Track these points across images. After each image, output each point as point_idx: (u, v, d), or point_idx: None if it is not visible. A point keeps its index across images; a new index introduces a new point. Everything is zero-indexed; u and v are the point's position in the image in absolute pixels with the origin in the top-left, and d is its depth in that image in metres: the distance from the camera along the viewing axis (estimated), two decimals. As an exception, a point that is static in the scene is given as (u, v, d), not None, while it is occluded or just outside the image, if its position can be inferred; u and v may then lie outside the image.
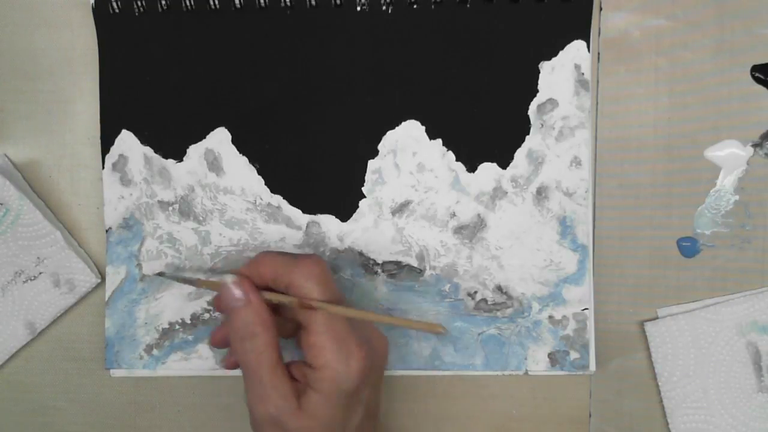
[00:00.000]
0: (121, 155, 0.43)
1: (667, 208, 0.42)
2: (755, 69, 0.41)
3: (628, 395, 0.43)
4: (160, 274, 0.41)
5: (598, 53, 0.42)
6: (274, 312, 0.35)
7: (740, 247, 0.42)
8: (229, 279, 0.35)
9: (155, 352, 0.43)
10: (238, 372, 0.43)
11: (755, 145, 0.41)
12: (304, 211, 0.42)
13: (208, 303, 0.43)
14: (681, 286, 0.42)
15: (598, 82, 0.42)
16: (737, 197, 0.42)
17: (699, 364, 0.42)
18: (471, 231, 0.42)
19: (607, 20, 0.42)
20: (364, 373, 0.34)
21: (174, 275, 0.41)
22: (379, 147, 0.42)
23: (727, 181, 0.42)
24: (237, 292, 0.35)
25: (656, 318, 0.42)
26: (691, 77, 0.42)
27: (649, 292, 0.42)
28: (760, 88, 0.41)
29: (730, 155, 0.42)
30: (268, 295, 0.35)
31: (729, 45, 0.41)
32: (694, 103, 0.42)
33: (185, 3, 0.42)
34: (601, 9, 0.42)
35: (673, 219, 0.42)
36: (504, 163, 0.42)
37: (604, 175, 0.42)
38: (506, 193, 0.42)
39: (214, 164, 0.42)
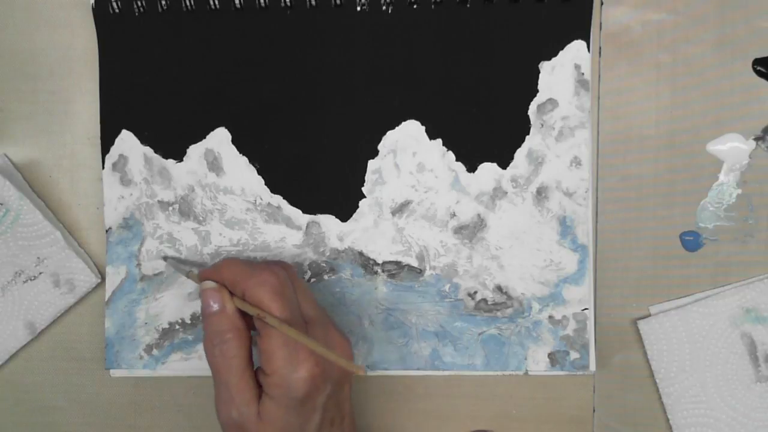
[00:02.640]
0: (121, 155, 0.43)
1: (669, 202, 0.42)
2: (757, 62, 0.41)
3: (632, 390, 0.43)
4: (164, 258, 0.42)
5: (600, 47, 0.42)
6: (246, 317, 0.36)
7: (743, 241, 0.42)
8: (207, 285, 0.36)
9: (155, 352, 0.43)
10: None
11: (757, 139, 0.42)
12: (304, 211, 0.42)
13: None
14: (684, 281, 0.42)
15: (599, 76, 0.42)
16: (740, 191, 0.42)
17: (695, 358, 0.42)
18: (471, 231, 0.42)
19: (608, 15, 0.42)
20: (314, 381, 0.34)
21: (174, 263, 0.42)
22: (379, 147, 0.42)
23: (729, 174, 0.42)
24: (214, 295, 0.36)
25: (649, 315, 0.42)
26: (692, 71, 0.42)
27: (652, 286, 0.42)
28: (762, 81, 0.41)
29: (733, 149, 0.42)
30: (237, 303, 0.36)
31: (730, 39, 0.41)
32: (695, 97, 0.42)
33: (185, 3, 0.42)
34: (602, 3, 0.42)
35: (676, 213, 0.42)
36: (504, 163, 0.42)
37: (606, 169, 0.42)
38: (506, 193, 0.42)
39: (214, 164, 0.42)
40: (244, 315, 0.36)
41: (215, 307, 0.36)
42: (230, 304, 0.36)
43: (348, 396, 0.38)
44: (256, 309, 0.35)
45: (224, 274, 0.36)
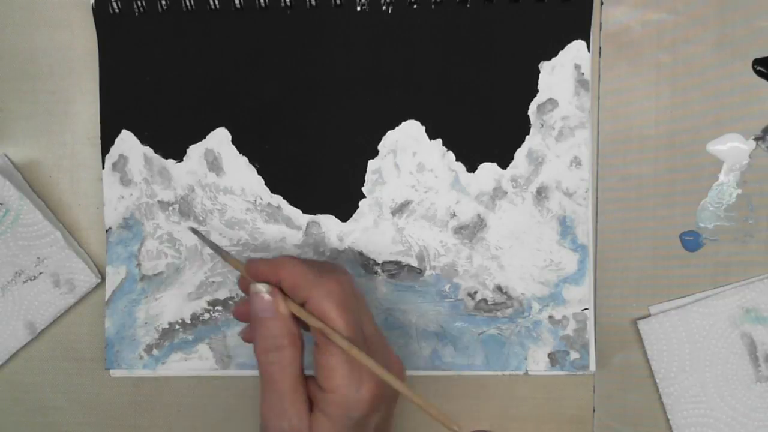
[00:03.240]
0: (121, 155, 0.43)
1: (669, 202, 0.42)
2: (757, 62, 0.41)
3: (632, 390, 0.43)
4: (192, 229, 0.40)
5: (600, 47, 0.42)
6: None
7: (743, 241, 0.42)
8: (263, 288, 0.33)
9: (155, 352, 0.43)
10: (238, 372, 0.43)
11: (757, 139, 0.42)
12: (304, 211, 0.42)
13: (208, 303, 0.43)
14: (684, 281, 0.42)
15: (599, 76, 0.42)
16: (740, 191, 0.42)
17: (695, 358, 0.42)
18: (471, 231, 0.42)
19: (608, 15, 0.42)
20: (374, 402, 0.32)
21: (205, 237, 0.39)
22: (379, 147, 0.42)
23: (729, 174, 0.42)
24: (268, 302, 0.33)
25: (649, 315, 0.42)
26: (692, 71, 0.42)
27: (652, 286, 0.42)
28: (762, 81, 0.41)
29: (732, 149, 0.42)
30: (293, 308, 0.33)
31: (730, 38, 0.41)
32: (695, 97, 0.42)
33: (185, 3, 0.42)
34: (602, 3, 0.42)
35: (676, 213, 0.42)
36: (504, 163, 0.42)
37: (606, 169, 0.42)
38: (506, 193, 0.42)
39: (214, 164, 0.42)
40: (295, 318, 0.34)
41: (269, 312, 0.33)
42: (286, 309, 0.33)
43: (392, 414, 0.36)
44: (319, 322, 0.32)
45: (282, 275, 0.33)
